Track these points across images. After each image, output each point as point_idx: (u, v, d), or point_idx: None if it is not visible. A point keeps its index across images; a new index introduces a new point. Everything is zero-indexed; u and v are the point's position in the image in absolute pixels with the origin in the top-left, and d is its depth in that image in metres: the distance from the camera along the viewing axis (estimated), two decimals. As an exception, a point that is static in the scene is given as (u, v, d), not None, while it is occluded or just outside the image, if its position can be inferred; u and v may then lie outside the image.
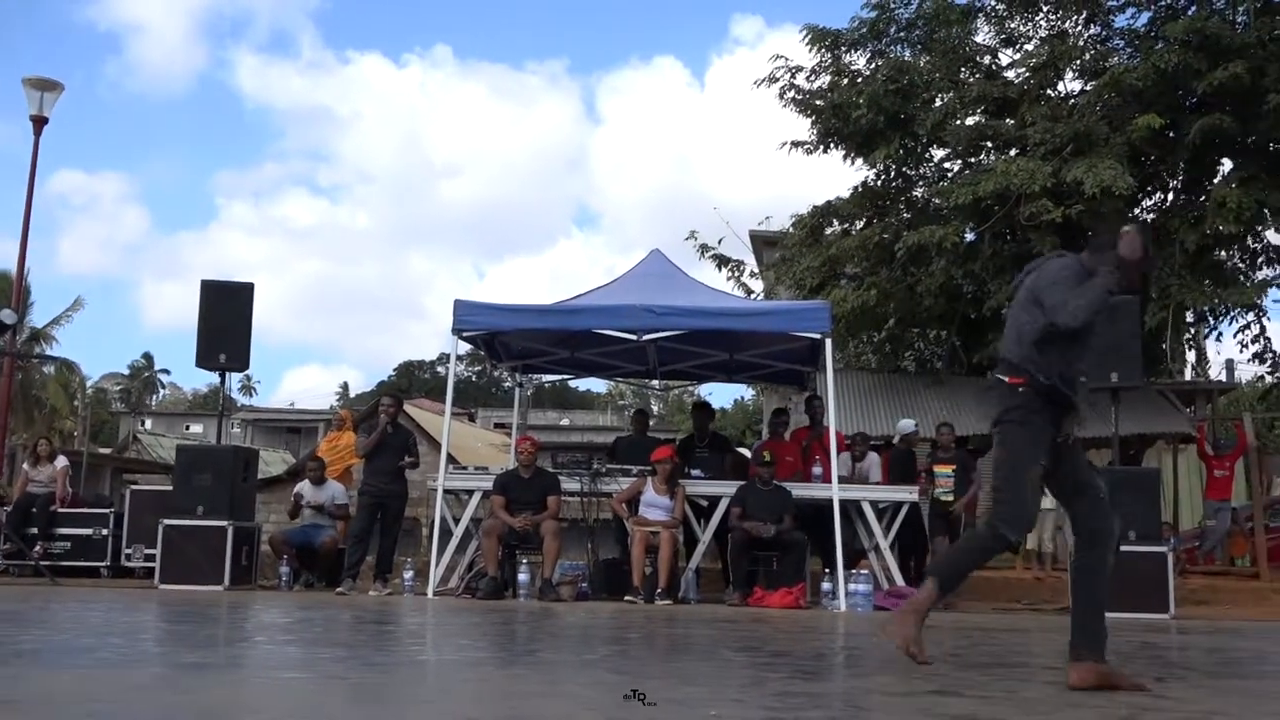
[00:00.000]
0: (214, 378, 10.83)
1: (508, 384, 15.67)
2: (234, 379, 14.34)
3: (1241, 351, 16.86)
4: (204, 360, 10.60)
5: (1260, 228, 14.63)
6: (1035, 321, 4.41)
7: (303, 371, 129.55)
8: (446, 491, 10.27)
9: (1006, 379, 4.48)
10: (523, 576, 9.65)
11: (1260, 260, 16.06)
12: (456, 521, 10.29)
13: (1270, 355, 16.62)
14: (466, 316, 10.27)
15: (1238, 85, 13.15)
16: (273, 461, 35.03)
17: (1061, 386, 4.37)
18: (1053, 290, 4.36)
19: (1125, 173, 12.99)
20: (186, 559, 9.76)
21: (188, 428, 62.07)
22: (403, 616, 7.86)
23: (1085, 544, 4.53)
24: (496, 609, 8.44)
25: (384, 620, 7.32)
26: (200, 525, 9.85)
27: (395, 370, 77.74)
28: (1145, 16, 15.62)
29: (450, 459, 10.84)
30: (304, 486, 11.28)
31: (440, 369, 70.08)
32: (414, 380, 71.88)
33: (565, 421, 53.28)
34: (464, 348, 11.46)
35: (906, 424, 11.85)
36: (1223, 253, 15.04)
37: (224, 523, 9.82)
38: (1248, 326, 16.77)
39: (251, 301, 10.69)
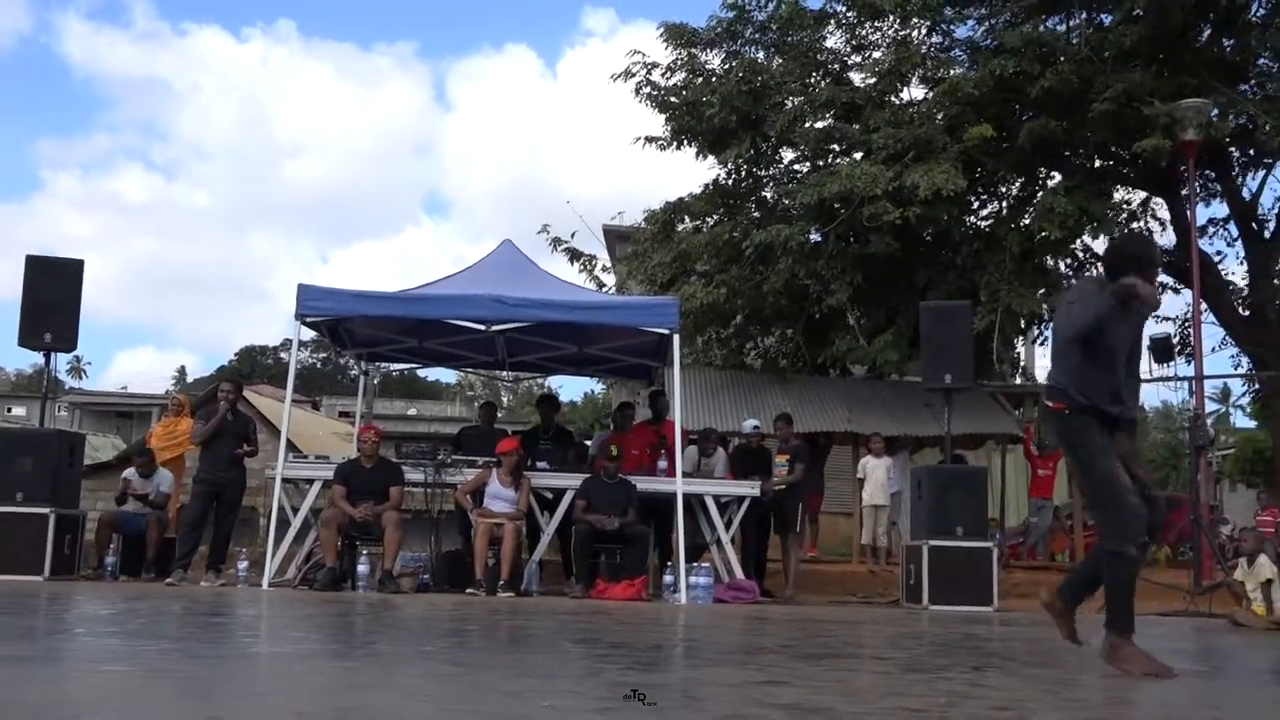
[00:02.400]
0: (38, 358, 10.31)
1: (354, 372, 15.34)
2: (61, 360, 13.68)
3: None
4: (27, 339, 10.07)
5: (1082, 235, 15.36)
6: (1068, 354, 4.80)
7: (136, 354, 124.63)
8: (285, 480, 10.04)
9: (1051, 405, 4.91)
10: (362, 568, 9.49)
11: (1083, 266, 16.96)
12: (295, 511, 10.06)
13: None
14: (310, 302, 10.05)
15: (1067, 88, 13.79)
16: (102, 447, 33.52)
17: (1098, 404, 4.73)
18: (1075, 312, 4.73)
19: (958, 175, 13.52)
20: (3, 548, 9.28)
21: (9, 410, 59.06)
22: (235, 608, 7.65)
23: None
24: (334, 601, 8.28)
25: (215, 612, 7.11)
26: (18, 513, 9.38)
27: (236, 355, 75.55)
28: (983, 29, 16.25)
29: (291, 447, 10.60)
30: (132, 474, 10.88)
31: (283, 355, 68.32)
32: (256, 366, 69.89)
33: (412, 411, 52.56)
34: (308, 334, 11.20)
35: (750, 423, 12.07)
36: (1049, 258, 15.75)
37: (45, 510, 9.37)
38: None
39: (81, 279, 10.21)
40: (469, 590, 9.36)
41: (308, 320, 10.38)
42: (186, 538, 10.03)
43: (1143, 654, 4.60)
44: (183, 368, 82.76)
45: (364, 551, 9.71)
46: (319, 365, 65.77)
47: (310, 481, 10.21)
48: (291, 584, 9.69)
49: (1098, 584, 4.87)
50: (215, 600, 8.06)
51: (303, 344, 13.22)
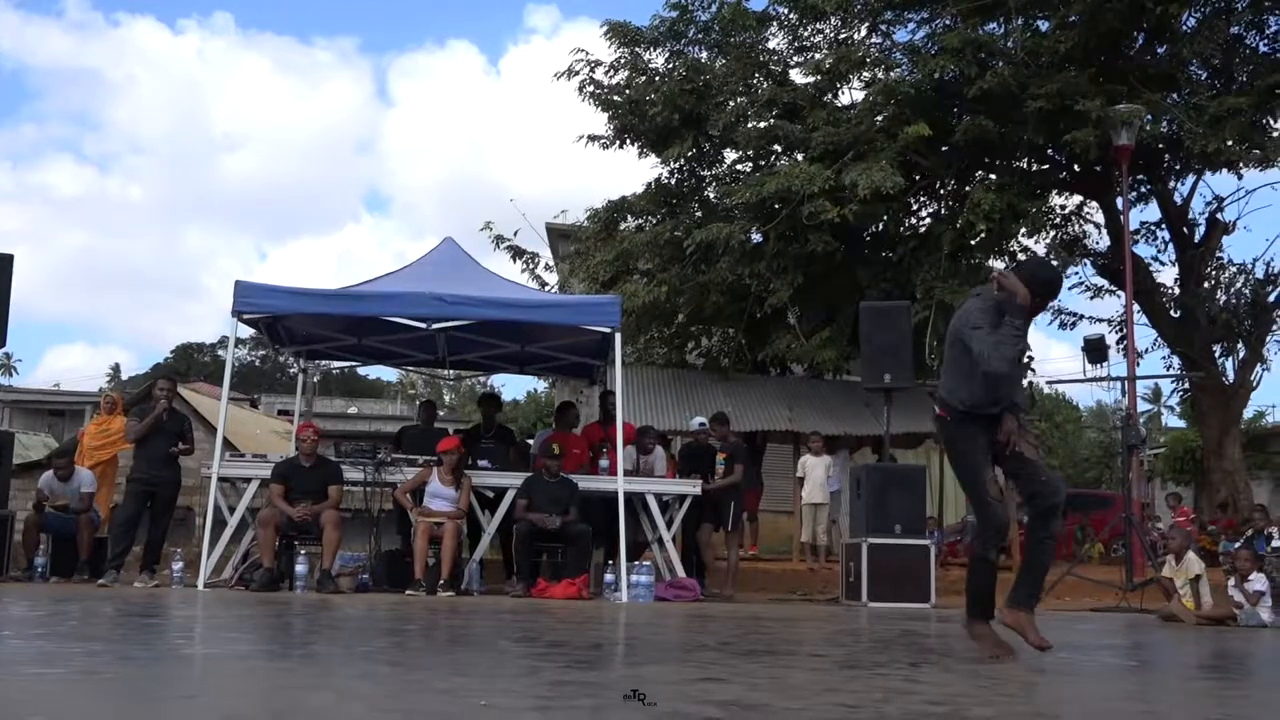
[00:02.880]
0: (-34, 356, 10.08)
1: (293, 370, 15.15)
2: (-11, 357, 13.37)
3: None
4: (-46, 336, 9.85)
5: (1016, 234, 15.59)
6: (955, 359, 5.12)
7: (68, 351, 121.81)
8: (222, 479, 9.89)
9: (937, 410, 5.29)
10: (300, 568, 9.37)
11: (1011, 263, 17.23)
12: (232, 510, 9.93)
13: (1029, 357, 17.80)
14: (248, 299, 9.91)
15: (1004, 91, 13.99)
16: (33, 445, 32.76)
17: (979, 410, 5.06)
18: (975, 337, 4.97)
19: (895, 173, 13.68)
20: (-72, 550, 9.07)
21: (-64, 408, 57.59)
22: (169, 609, 7.53)
23: (1035, 517, 5.23)
24: (271, 601, 8.17)
25: (149, 613, 7.00)
26: (-56, 513, 9.16)
27: (172, 352, 74.18)
28: (923, 32, 16.46)
29: (227, 445, 10.44)
30: (47, 480, 10.63)
31: (220, 352, 67.22)
32: (193, 364, 68.71)
33: (353, 410, 52.03)
34: (246, 331, 11.05)
35: (696, 420, 12.10)
36: (978, 257, 15.96)
37: (-28, 511, 9.17)
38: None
39: (10, 274, 10.01)
40: (409, 590, 9.29)
41: (245, 317, 10.23)
42: (120, 538, 9.87)
43: (991, 636, 5.09)
44: (116, 365, 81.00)
45: (302, 551, 9.59)
46: (257, 363, 64.93)
47: (247, 480, 10.08)
48: (228, 585, 9.56)
49: (1042, 570, 5.28)
50: (149, 601, 7.93)
51: (241, 341, 13.05)
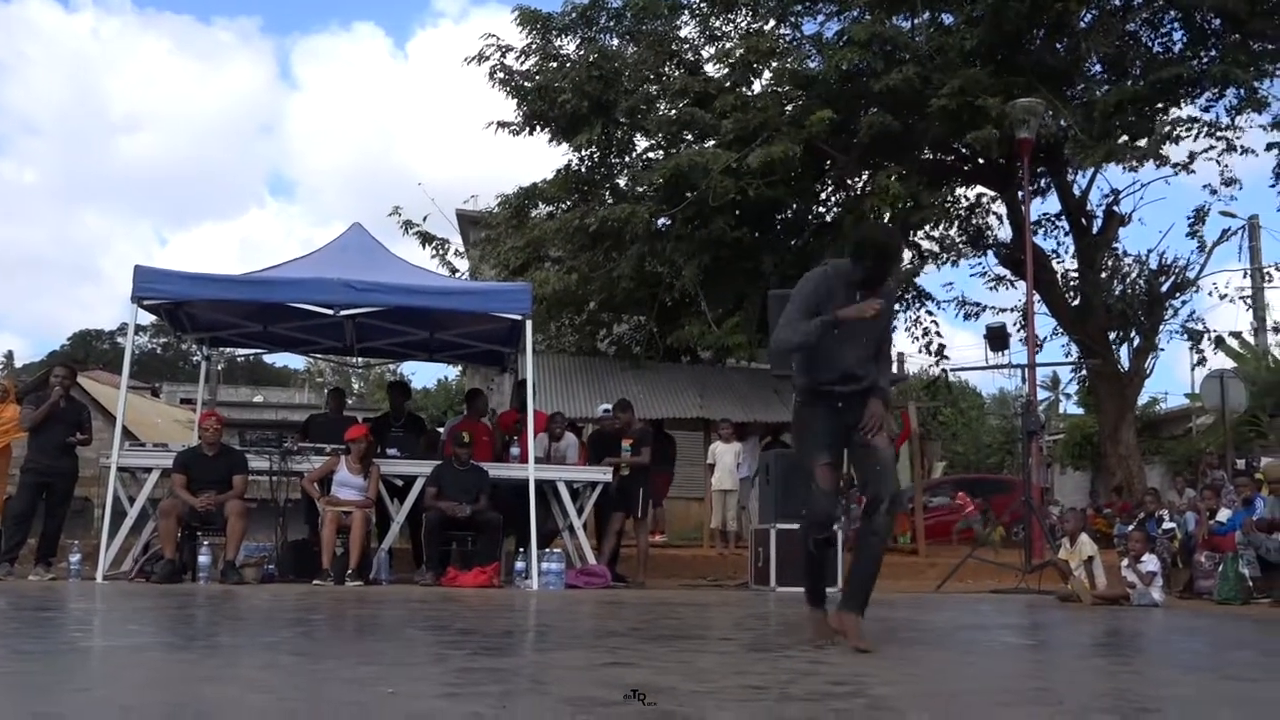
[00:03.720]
0: None
1: (196, 357, 14.83)
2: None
3: (913, 344, 18.37)
4: None
5: (916, 225, 15.89)
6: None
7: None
8: (121, 469, 9.67)
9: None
10: (203, 559, 9.18)
11: (924, 257, 17.62)
12: (132, 501, 9.70)
13: (939, 348, 18.21)
14: (149, 284, 9.66)
15: (909, 88, 14.22)
16: (-79, 436, 31.56)
17: (828, 384, 4.96)
18: (787, 308, 4.94)
19: (794, 147, 13.86)
20: None
21: None
22: (66, 602, 7.33)
23: (863, 513, 5.18)
24: (173, 593, 8.01)
25: (44, 606, 6.80)
26: None
27: (70, 339, 72.03)
28: (833, 26, 16.65)
29: (127, 435, 10.20)
30: None
31: (120, 339, 65.50)
32: (91, 351, 66.80)
33: (259, 398, 51.06)
34: (147, 317, 10.78)
35: (604, 407, 12.12)
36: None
37: None
38: (918, 320, 18.28)
39: (-105, 258, 9.63)
40: (316, 580, 9.16)
41: (146, 303, 9.98)
42: (13, 530, 9.58)
43: (817, 622, 5.05)
44: (10, 352, 78.19)
45: (205, 542, 9.39)
46: (159, 350, 63.42)
47: (148, 470, 9.85)
48: (127, 577, 9.33)
49: (868, 573, 5.05)
50: (45, 595, 7.71)
51: (141, 328, 12.73)
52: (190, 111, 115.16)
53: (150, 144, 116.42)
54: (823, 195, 17.15)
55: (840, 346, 4.92)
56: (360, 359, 14.08)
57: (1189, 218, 17.21)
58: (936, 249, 18.48)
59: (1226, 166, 16.88)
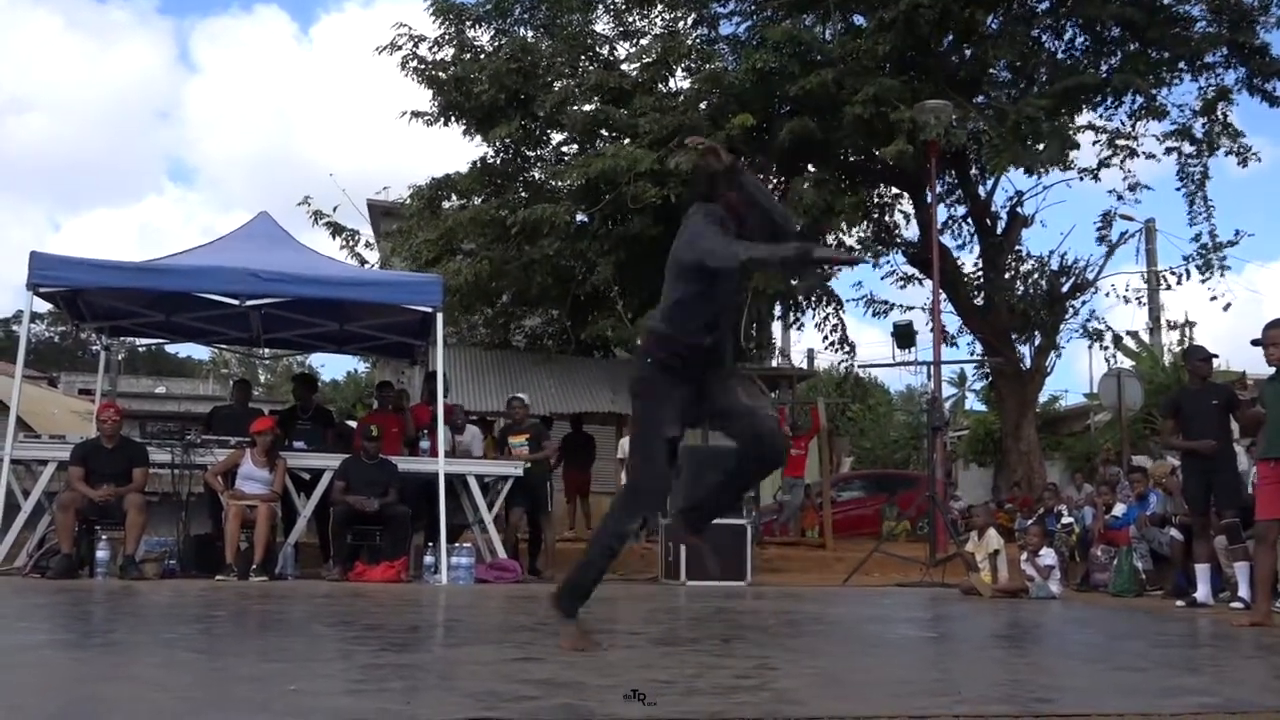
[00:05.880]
0: None
1: (96, 347, 14.41)
2: None
3: (824, 340, 18.60)
4: None
5: (831, 227, 16.09)
6: (675, 289, 4.51)
7: None
8: (15, 462, 9.37)
9: (641, 346, 4.68)
10: (101, 554, 8.95)
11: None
12: (26, 495, 9.41)
13: (847, 344, 18.46)
14: (45, 271, 9.38)
15: (824, 93, 14.39)
16: None
17: (691, 337, 4.47)
18: (700, 242, 4.42)
19: None
20: None
21: None
22: (-45, 599, 7.09)
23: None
24: (69, 589, 7.79)
25: (-69, 604, 6.59)
26: None
27: (-38, 328, 69.57)
28: (746, 26, 16.77)
29: (22, 426, 9.89)
30: None
31: (15, 327, 63.50)
32: (-16, 339, 64.67)
33: (161, 389, 49.82)
34: (43, 305, 10.48)
35: (521, 396, 12.09)
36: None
37: None
38: (827, 318, 18.51)
39: None
40: (219, 576, 8.99)
41: (42, 291, 9.69)
42: (-101, 525, 9.23)
43: (579, 633, 4.58)
44: (-102, 340, 75.58)
45: (103, 536, 9.14)
46: (56, 339, 61.51)
47: (43, 463, 9.56)
48: (21, 573, 9.05)
49: (715, 511, 5.04)
50: (-69, 591, 7.45)
51: (38, 316, 12.33)
52: (84, 93, 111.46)
53: (41, 126, 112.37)
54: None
55: (714, 287, 4.49)
56: (267, 350, 13.84)
57: (1096, 223, 17.69)
58: (860, 249, 18.71)
59: (1130, 172, 17.40)
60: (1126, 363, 21.03)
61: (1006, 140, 14.62)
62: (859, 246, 18.14)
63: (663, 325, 4.58)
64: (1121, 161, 17.13)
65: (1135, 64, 15.60)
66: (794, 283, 16.01)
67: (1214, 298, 16.89)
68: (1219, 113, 16.31)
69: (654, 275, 16.13)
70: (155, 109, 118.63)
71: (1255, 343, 6.88)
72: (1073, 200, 49.79)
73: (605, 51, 16.86)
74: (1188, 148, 16.57)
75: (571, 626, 4.56)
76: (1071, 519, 11.74)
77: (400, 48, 16.11)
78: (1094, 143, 16.28)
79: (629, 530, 4.77)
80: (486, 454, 11.26)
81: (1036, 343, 17.72)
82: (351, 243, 17.27)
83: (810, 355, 30.43)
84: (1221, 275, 16.69)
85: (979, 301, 17.84)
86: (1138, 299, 19.34)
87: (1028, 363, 17.69)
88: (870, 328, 32.81)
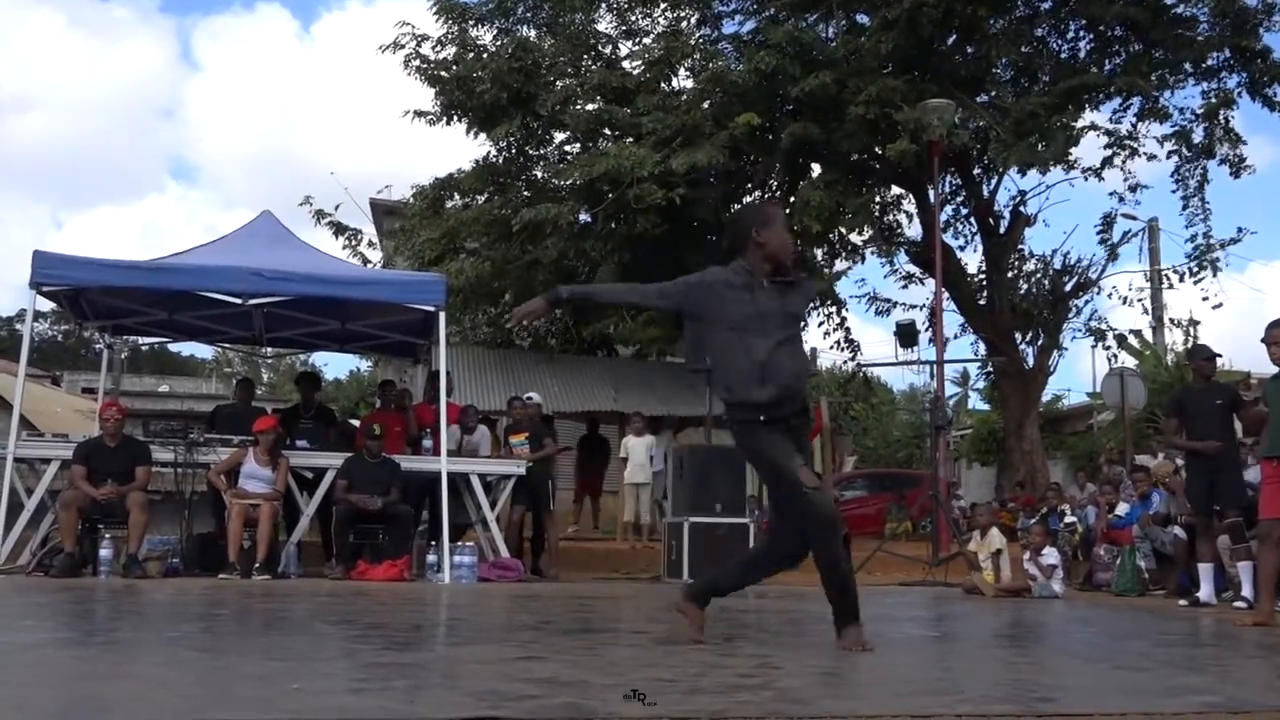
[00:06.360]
0: None
1: (99, 345, 14.40)
2: None
3: (825, 339, 18.61)
4: None
5: (839, 227, 16.10)
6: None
7: None
8: (19, 460, 9.40)
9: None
10: (105, 552, 8.97)
11: (837, 255, 17.84)
12: (30, 493, 9.42)
13: (851, 343, 18.47)
14: (48, 270, 9.40)
15: (825, 94, 14.39)
16: None
17: (747, 396, 4.47)
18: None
19: (718, 153, 13.92)
20: None
21: None
22: (-42, 598, 7.10)
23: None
24: (72, 587, 7.80)
25: (-66, 602, 6.59)
26: None
27: (-36, 327, 69.64)
28: (751, 24, 16.75)
29: (26, 424, 9.90)
30: None
31: (18, 326, 63.52)
32: (-13, 338, 64.73)
33: (164, 388, 49.91)
34: (46, 304, 10.48)
35: (531, 397, 12.11)
36: (807, 250, 16.41)
37: None
38: (830, 317, 18.51)
39: None
40: (222, 574, 9.01)
41: (45, 289, 9.70)
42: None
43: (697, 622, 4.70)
44: (-98, 339, 75.62)
45: (106, 535, 9.17)
46: (60, 338, 61.59)
47: (47, 461, 9.58)
48: (25, 571, 9.07)
49: (732, 590, 5.00)
50: (-65, 590, 7.46)
51: (41, 315, 12.34)
52: (87, 91, 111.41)
53: (44, 124, 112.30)
54: (741, 193, 17.25)
55: (746, 339, 4.50)
56: (270, 349, 13.85)
57: (1097, 226, 17.67)
58: (863, 246, 18.73)
59: (1131, 173, 17.38)
60: (1130, 362, 21.01)
61: (1011, 136, 14.60)
62: (864, 245, 18.19)
63: (721, 390, 4.61)
64: (1123, 162, 17.12)
65: (1138, 64, 15.58)
66: None
67: (1205, 298, 17.00)
68: (1220, 117, 16.30)
69: (659, 273, 16.24)
70: (157, 107, 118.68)
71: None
72: (1076, 199, 49.80)
73: (608, 50, 16.86)
74: (1187, 151, 16.57)
75: (696, 611, 4.71)
76: (1074, 518, 11.74)
77: (403, 46, 16.12)
78: (1101, 145, 16.26)
79: (842, 555, 4.69)
80: (493, 453, 11.29)
81: (1039, 342, 17.70)
82: (354, 242, 17.31)
83: (813, 354, 30.41)
84: (1215, 276, 16.75)
85: (982, 301, 17.82)
86: (1140, 300, 19.32)
87: (1031, 362, 17.67)
88: (873, 326, 32.78)
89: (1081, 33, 16.85)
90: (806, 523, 4.51)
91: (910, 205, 18.53)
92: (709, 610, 4.87)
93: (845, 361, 19.43)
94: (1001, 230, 17.96)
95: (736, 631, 5.61)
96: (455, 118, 16.30)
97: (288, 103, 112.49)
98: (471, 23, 16.36)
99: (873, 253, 18.48)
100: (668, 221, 14.75)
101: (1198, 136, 16.38)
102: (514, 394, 12.54)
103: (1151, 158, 16.99)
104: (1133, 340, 21.88)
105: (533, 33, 16.58)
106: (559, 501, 12.23)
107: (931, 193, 15.76)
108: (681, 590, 4.99)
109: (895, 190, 18.60)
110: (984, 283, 18.04)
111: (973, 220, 18.59)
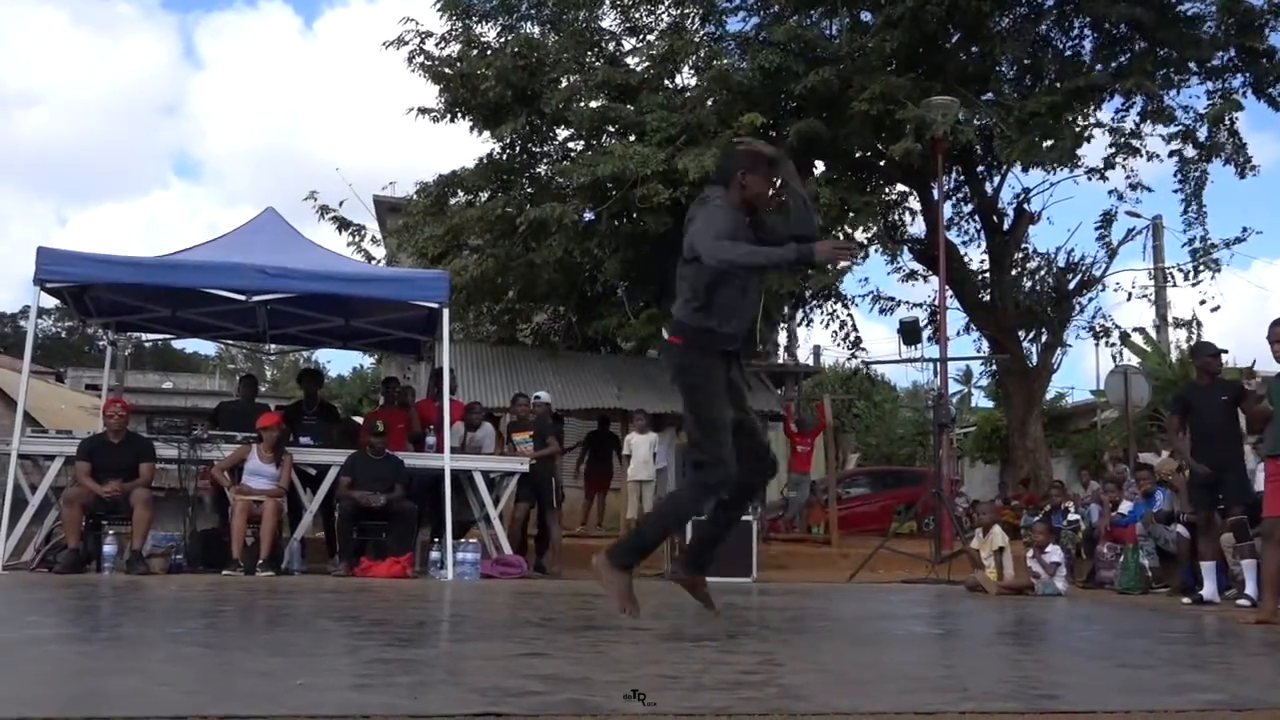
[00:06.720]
0: None
1: (102, 342, 14.37)
2: None
3: (833, 337, 18.65)
4: None
5: (843, 224, 16.09)
6: (687, 277, 4.72)
7: None
8: (23, 456, 9.40)
9: (668, 337, 4.85)
10: (108, 548, 8.97)
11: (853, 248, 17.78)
12: (34, 489, 9.43)
13: (856, 340, 18.49)
14: (52, 266, 9.39)
15: (828, 90, 14.38)
16: None
17: (726, 330, 4.72)
18: (699, 237, 4.62)
19: None
20: None
21: None
22: (-38, 594, 7.12)
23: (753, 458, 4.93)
24: (76, 583, 7.82)
25: (-62, 598, 6.61)
26: None
27: (-32, 323, 69.71)
28: (754, 21, 16.75)
29: (30, 421, 9.91)
30: None
31: (22, 323, 63.57)
32: (-9, 335, 64.78)
33: (168, 385, 49.93)
34: (50, 300, 10.49)
35: (541, 396, 12.11)
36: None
37: None
38: (834, 314, 18.52)
39: None
40: (225, 571, 9.01)
41: (49, 286, 9.70)
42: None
43: (626, 589, 4.93)
44: (-95, 337, 75.67)
45: (110, 531, 9.17)
46: (63, 334, 61.67)
47: (51, 458, 9.58)
48: (29, 567, 9.08)
49: (718, 541, 5.18)
50: (-61, 585, 7.48)
51: (45, 311, 12.37)
52: (90, 88, 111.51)
53: (48, 120, 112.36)
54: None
55: (746, 295, 4.80)
56: (273, 346, 13.86)
57: (1096, 224, 17.67)
58: (870, 243, 18.73)
59: (1133, 171, 17.37)
60: (1133, 359, 20.99)
61: (1016, 133, 14.60)
62: (866, 243, 18.14)
63: (698, 317, 4.72)
64: (1124, 160, 17.12)
65: (1143, 63, 15.57)
66: (806, 283, 16.02)
67: (1203, 300, 17.06)
68: (1226, 119, 16.29)
69: (662, 272, 16.22)
70: (161, 104, 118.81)
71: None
72: (1080, 197, 49.76)
73: (611, 47, 16.85)
74: (1190, 151, 16.57)
75: (622, 577, 4.86)
76: (1078, 516, 11.73)
77: (407, 43, 16.12)
78: (1105, 144, 16.29)
79: (696, 512, 5.00)
80: (498, 450, 11.30)
81: (1043, 339, 17.70)
82: (358, 238, 17.31)
83: (817, 352, 30.41)
84: (1213, 278, 16.78)
85: (985, 298, 17.82)
86: (1145, 295, 19.33)
87: (1034, 359, 17.67)
88: (876, 323, 32.82)
89: (1086, 31, 16.85)
90: (703, 473, 4.74)
91: (914, 202, 18.54)
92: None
93: (848, 358, 19.44)
94: (1005, 228, 17.96)
95: (739, 629, 5.62)
96: (459, 115, 16.30)
97: (291, 99, 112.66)
98: (475, 19, 16.35)
99: (877, 250, 18.47)
100: (674, 219, 14.73)
101: (1201, 136, 16.38)
102: (518, 391, 12.53)
103: (1153, 157, 16.99)
104: (1136, 338, 21.89)
105: (537, 29, 16.57)
106: (569, 500, 12.22)
107: (935, 190, 15.75)
108: (676, 566, 5.22)
109: (900, 188, 18.61)
110: (987, 280, 18.05)
111: (976, 217, 18.60)
